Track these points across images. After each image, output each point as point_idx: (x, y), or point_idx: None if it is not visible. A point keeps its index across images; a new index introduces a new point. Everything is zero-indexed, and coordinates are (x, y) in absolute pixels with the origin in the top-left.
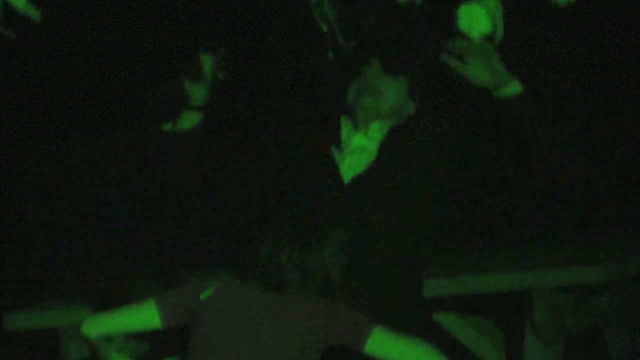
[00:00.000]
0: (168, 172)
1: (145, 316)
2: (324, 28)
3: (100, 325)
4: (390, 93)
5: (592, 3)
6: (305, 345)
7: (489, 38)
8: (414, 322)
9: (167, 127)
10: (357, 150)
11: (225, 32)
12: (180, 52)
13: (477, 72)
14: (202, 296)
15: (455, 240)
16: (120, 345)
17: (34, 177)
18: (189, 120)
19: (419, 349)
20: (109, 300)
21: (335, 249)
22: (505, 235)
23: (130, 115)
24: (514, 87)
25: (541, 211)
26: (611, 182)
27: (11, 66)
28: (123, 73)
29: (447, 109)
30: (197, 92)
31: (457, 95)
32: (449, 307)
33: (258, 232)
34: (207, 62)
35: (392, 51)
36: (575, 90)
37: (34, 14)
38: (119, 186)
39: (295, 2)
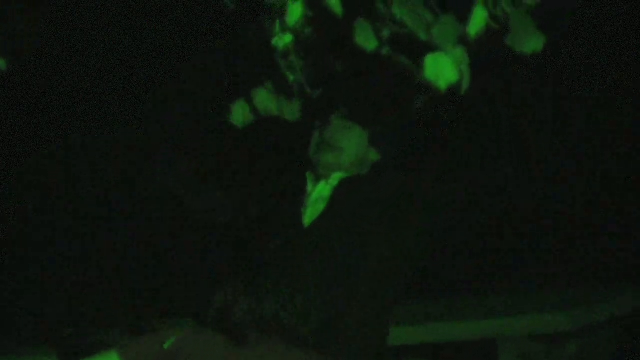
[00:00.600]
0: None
1: None
2: (291, 78)
3: None
4: (351, 147)
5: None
6: None
7: (456, 87)
8: None
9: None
10: (320, 200)
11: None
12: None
13: None
14: (165, 346)
15: (423, 288)
16: None
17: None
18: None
19: None
20: (75, 348)
21: (291, 294)
22: (473, 282)
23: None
24: None
25: (509, 258)
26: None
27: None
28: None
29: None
30: None
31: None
32: (417, 355)
33: (218, 279)
34: None
35: (357, 101)
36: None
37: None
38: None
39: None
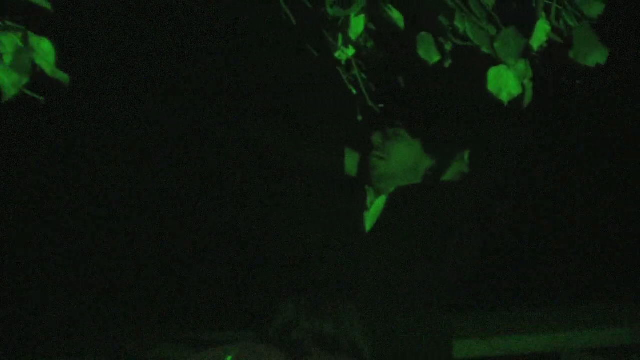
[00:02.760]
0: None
1: None
2: (353, 91)
3: None
4: (400, 155)
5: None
6: None
7: (518, 101)
8: None
9: None
10: (378, 215)
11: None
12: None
13: None
14: (228, 359)
15: (485, 300)
16: None
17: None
18: None
19: None
20: None
21: (354, 316)
22: (537, 294)
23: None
24: None
25: (574, 271)
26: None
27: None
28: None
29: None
30: None
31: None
32: None
33: (280, 296)
34: None
35: (418, 112)
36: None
37: (64, 77)
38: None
39: (323, 65)
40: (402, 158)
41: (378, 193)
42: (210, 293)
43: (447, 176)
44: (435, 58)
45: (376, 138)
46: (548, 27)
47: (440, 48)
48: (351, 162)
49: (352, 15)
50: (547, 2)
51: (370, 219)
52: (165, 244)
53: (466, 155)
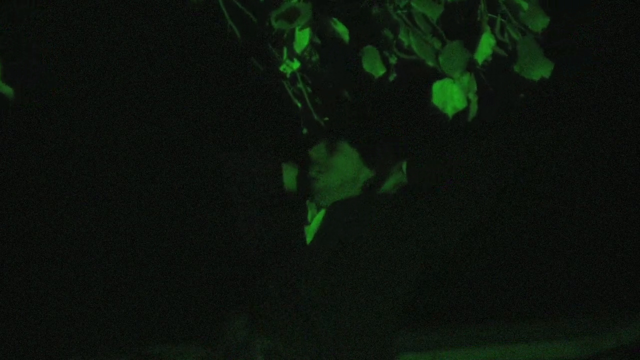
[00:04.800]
0: None
1: None
2: (298, 104)
3: None
4: (340, 166)
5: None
6: None
7: (463, 114)
8: None
9: None
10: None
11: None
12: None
13: None
14: None
15: (429, 316)
16: None
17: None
18: None
19: None
20: None
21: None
22: (480, 309)
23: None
24: None
25: (516, 285)
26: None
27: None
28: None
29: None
30: None
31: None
32: None
33: (228, 310)
34: None
35: (365, 128)
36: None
37: (8, 91)
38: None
39: (267, 77)
40: (341, 170)
41: (318, 207)
42: (158, 306)
43: (386, 187)
44: (380, 71)
45: (315, 152)
46: (493, 41)
47: (385, 61)
48: (290, 176)
49: (297, 28)
50: (491, 16)
51: (311, 232)
52: (112, 257)
53: (404, 165)
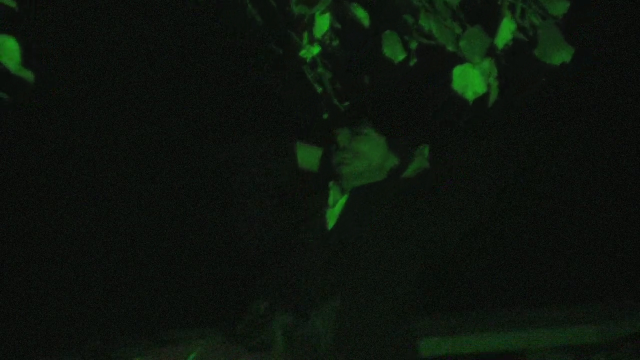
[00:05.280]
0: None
1: None
2: (319, 89)
3: None
4: (369, 153)
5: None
6: None
7: (483, 99)
8: None
9: None
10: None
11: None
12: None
13: None
14: (190, 357)
15: (451, 300)
16: None
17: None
18: None
19: None
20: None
21: (328, 318)
22: (501, 294)
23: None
24: None
25: (539, 270)
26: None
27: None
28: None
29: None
30: None
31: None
32: None
33: (249, 294)
34: None
35: (385, 112)
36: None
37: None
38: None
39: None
40: (368, 157)
41: (342, 191)
42: (175, 290)
43: (409, 172)
44: (400, 56)
45: (342, 137)
46: (513, 26)
47: (405, 46)
48: (307, 156)
49: (317, 13)
50: (512, 0)
51: (333, 217)
52: (129, 242)
53: (426, 150)
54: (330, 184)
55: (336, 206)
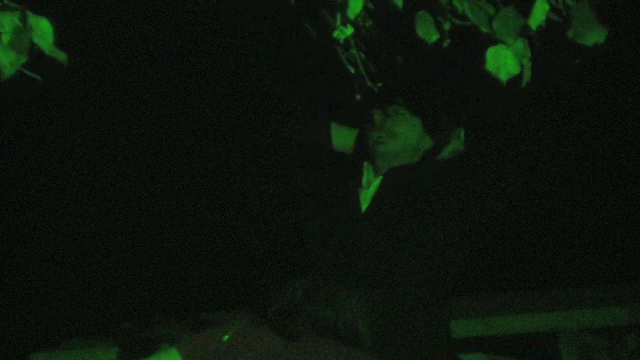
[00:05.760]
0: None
1: None
2: (352, 70)
3: None
4: (406, 134)
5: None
6: None
7: (517, 80)
8: None
9: None
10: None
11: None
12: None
13: None
14: (224, 339)
15: (484, 281)
16: None
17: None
18: None
19: None
20: (134, 341)
21: (357, 302)
22: (534, 275)
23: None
24: None
25: (570, 251)
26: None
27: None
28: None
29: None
30: None
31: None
32: (477, 349)
33: (284, 277)
34: None
35: (419, 93)
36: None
37: (62, 57)
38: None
39: (323, 44)
40: (405, 137)
41: (377, 172)
42: (210, 273)
43: (444, 154)
44: (434, 37)
45: (378, 116)
46: (547, 7)
47: (438, 27)
48: (341, 136)
49: None
50: None
51: (367, 198)
52: (164, 223)
53: (462, 133)
54: (365, 164)
55: (370, 187)
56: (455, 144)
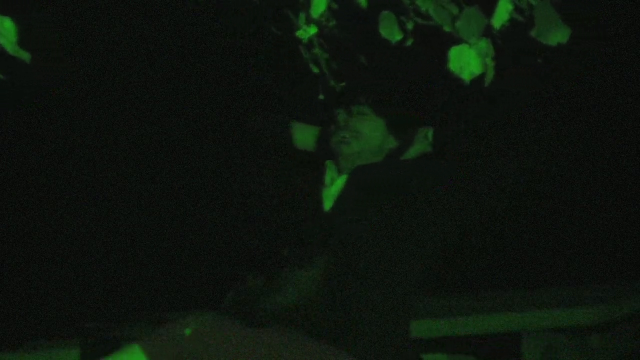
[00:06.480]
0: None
1: None
2: (315, 69)
3: None
4: (371, 134)
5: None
6: None
7: (480, 80)
8: None
9: None
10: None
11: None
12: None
13: None
14: (186, 333)
15: (447, 282)
16: None
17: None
18: None
19: None
20: (97, 341)
21: (323, 289)
22: (497, 276)
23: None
24: None
25: (534, 252)
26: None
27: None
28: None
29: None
30: None
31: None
32: (440, 349)
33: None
34: None
35: (381, 92)
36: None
37: (25, 56)
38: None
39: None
40: (369, 137)
41: (340, 171)
42: (171, 273)
43: (409, 155)
44: (398, 37)
45: (342, 116)
46: (510, 6)
47: (402, 27)
48: (303, 134)
49: None
50: None
51: (330, 197)
52: (127, 225)
53: (429, 134)
54: (328, 163)
55: (333, 186)
56: (421, 145)
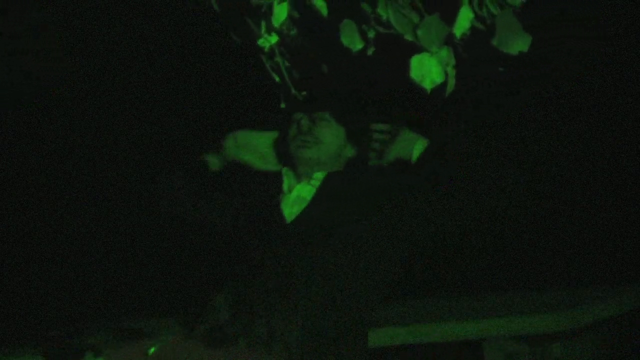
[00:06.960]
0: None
1: None
2: (276, 78)
3: None
4: (329, 141)
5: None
6: None
7: (441, 88)
8: None
9: None
10: (299, 200)
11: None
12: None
13: None
14: (150, 352)
15: (407, 288)
16: None
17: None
18: None
19: None
20: (60, 349)
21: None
22: (458, 283)
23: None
24: None
25: (494, 258)
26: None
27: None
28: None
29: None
30: None
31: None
32: (400, 357)
33: (210, 288)
34: None
35: (342, 100)
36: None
37: None
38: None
39: (247, 52)
40: (328, 144)
41: (298, 177)
42: (137, 281)
43: (389, 159)
44: (359, 45)
45: (305, 121)
46: (471, 15)
47: (363, 35)
48: (264, 140)
49: (275, 2)
50: None
51: (289, 203)
52: (90, 231)
53: (409, 135)
54: (284, 170)
55: (292, 192)
56: (399, 148)
